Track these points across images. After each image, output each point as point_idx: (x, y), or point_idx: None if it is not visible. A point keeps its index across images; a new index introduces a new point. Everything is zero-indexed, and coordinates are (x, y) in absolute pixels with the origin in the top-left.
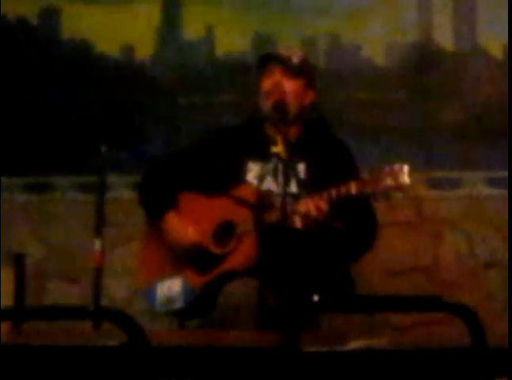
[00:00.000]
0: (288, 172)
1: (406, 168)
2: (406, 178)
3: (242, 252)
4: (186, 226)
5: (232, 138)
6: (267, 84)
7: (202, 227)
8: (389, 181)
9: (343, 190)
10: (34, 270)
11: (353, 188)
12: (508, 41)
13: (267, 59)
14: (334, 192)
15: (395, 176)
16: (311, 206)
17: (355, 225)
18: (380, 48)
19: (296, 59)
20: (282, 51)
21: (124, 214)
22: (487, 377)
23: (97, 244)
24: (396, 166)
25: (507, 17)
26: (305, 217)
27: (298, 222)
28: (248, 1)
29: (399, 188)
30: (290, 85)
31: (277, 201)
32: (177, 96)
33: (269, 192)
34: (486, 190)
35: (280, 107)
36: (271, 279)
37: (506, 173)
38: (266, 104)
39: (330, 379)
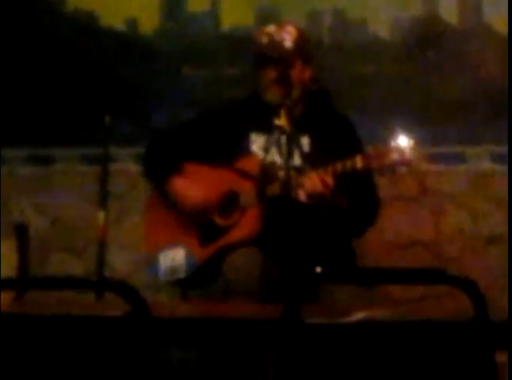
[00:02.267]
0: (292, 145)
1: (412, 142)
2: (412, 153)
3: (246, 224)
4: (193, 186)
5: (236, 110)
6: (267, 77)
7: (206, 198)
8: (395, 156)
9: (349, 164)
10: (37, 242)
11: (359, 163)
12: (508, 23)
13: (262, 63)
14: (339, 166)
15: (401, 151)
16: (316, 180)
17: (358, 201)
18: (385, 23)
19: (288, 44)
20: (273, 46)
21: (128, 187)
22: (489, 350)
23: (101, 216)
24: (402, 141)
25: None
26: (311, 192)
27: (302, 196)
28: None
29: (405, 162)
30: (291, 74)
31: (281, 173)
32: (181, 69)
33: (273, 164)
34: (489, 165)
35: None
36: (274, 250)
37: (507, 148)
38: (270, 95)
39: (332, 351)
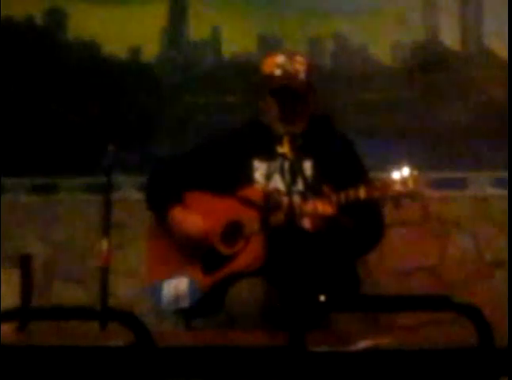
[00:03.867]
0: (295, 173)
1: (415, 174)
2: (416, 185)
3: (250, 253)
4: (195, 216)
5: (238, 139)
6: (279, 110)
7: (209, 227)
8: (398, 187)
9: (352, 194)
10: (40, 271)
11: (362, 193)
12: (508, 42)
13: (276, 92)
14: (342, 197)
15: (405, 182)
16: (319, 207)
17: (362, 222)
18: (387, 48)
19: (302, 76)
20: (288, 76)
21: (130, 215)
22: (494, 377)
23: (104, 244)
24: (406, 172)
25: (507, 23)
26: (314, 217)
27: (307, 223)
28: (254, 1)
29: (409, 194)
30: (300, 106)
31: (284, 200)
32: (183, 97)
33: (276, 191)
34: (492, 190)
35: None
36: (278, 279)
37: (507, 174)
38: (279, 124)
39: (337, 379)
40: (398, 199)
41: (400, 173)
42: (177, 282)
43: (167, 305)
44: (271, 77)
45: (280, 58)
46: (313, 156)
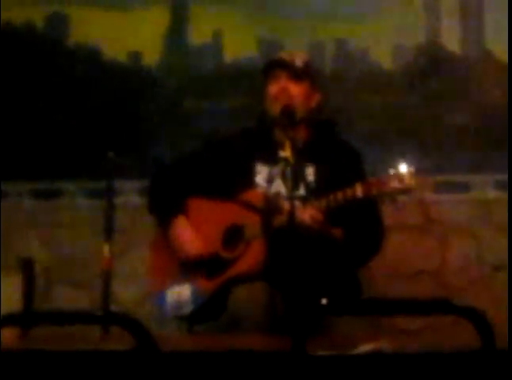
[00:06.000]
0: (297, 176)
1: (411, 170)
2: (411, 180)
3: (251, 257)
4: (193, 237)
5: (240, 143)
6: (273, 89)
7: (210, 232)
8: (395, 183)
9: (349, 193)
10: (42, 275)
11: (359, 190)
12: (508, 43)
13: (272, 65)
14: (340, 195)
15: (401, 178)
16: (305, 215)
17: (361, 231)
18: (387, 52)
19: (299, 63)
20: (285, 55)
21: (132, 220)
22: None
23: (106, 249)
24: (402, 168)
25: (507, 28)
26: (302, 225)
27: (302, 228)
28: (255, 6)
29: (405, 190)
30: (296, 89)
31: (286, 204)
32: (183, 101)
33: (278, 195)
34: (493, 193)
35: (287, 111)
36: (280, 283)
37: (507, 177)
38: (273, 109)
39: None
40: (394, 195)
41: (396, 170)
42: (181, 289)
43: (170, 313)
44: (267, 63)
45: (280, 53)
46: (316, 162)
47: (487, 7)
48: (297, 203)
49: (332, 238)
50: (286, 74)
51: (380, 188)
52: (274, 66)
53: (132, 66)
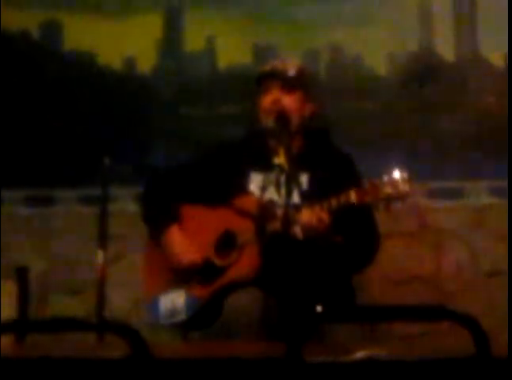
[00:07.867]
0: (291, 184)
1: (405, 176)
2: (405, 186)
3: (245, 263)
4: (186, 244)
5: (234, 150)
6: (266, 101)
7: (204, 239)
8: (389, 190)
9: (343, 199)
10: (37, 282)
11: (353, 197)
12: (508, 49)
13: (265, 76)
14: (334, 201)
15: (395, 184)
16: (311, 216)
17: (356, 238)
18: (382, 59)
19: (292, 72)
20: (279, 64)
21: (126, 227)
22: None
23: (100, 256)
24: (396, 174)
25: (507, 27)
26: (306, 227)
27: (299, 233)
28: (250, 13)
29: (399, 196)
30: (288, 100)
31: (279, 211)
32: (178, 108)
33: (271, 202)
34: (488, 200)
35: (281, 120)
36: (274, 289)
37: (507, 183)
38: (267, 120)
39: None
40: (388, 201)
41: (390, 176)
42: (174, 296)
43: (164, 320)
44: (260, 74)
45: (273, 61)
46: (310, 170)
47: (480, 14)
48: (291, 211)
49: (334, 242)
50: (279, 84)
51: (374, 195)
52: (267, 76)
53: (127, 72)
